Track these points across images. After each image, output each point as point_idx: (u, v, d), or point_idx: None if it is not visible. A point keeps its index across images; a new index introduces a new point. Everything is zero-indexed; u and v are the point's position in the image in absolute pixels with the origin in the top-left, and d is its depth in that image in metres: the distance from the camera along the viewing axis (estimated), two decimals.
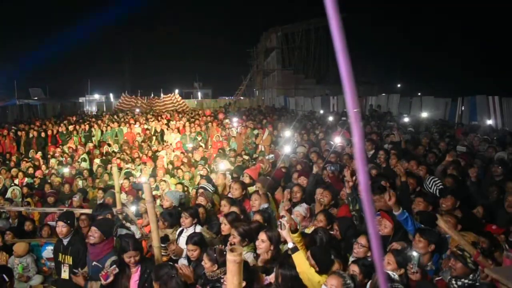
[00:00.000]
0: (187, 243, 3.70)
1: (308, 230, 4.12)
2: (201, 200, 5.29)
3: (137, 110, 24.58)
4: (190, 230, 4.32)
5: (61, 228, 4.08)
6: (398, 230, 3.63)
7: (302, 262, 2.99)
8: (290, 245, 3.09)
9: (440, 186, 4.95)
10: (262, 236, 3.26)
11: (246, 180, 6.13)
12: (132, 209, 5.98)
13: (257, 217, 4.23)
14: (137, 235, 4.75)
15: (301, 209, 4.45)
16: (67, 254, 4.10)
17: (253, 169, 6.71)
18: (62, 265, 4.13)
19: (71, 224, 4.22)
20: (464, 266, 2.90)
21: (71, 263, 4.08)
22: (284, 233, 3.15)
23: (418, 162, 5.96)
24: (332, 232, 3.81)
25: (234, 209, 4.52)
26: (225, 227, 4.03)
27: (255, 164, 7.87)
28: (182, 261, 3.97)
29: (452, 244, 3.34)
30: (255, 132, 12.62)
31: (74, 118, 19.17)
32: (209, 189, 5.93)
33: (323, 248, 3.24)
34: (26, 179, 9.85)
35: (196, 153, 11.60)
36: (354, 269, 3.00)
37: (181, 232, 4.47)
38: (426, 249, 3.29)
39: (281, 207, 5.25)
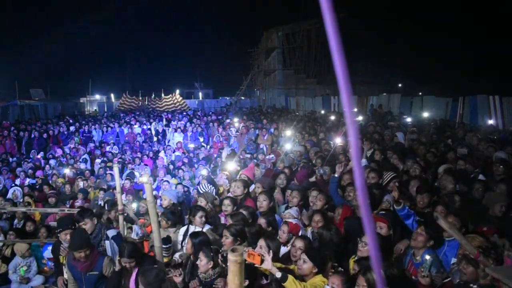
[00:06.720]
0: (188, 237, 3.73)
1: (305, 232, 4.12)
2: (200, 201, 5.24)
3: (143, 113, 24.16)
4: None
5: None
6: (395, 228, 3.68)
7: (296, 286, 2.83)
8: (278, 275, 2.86)
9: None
10: (261, 242, 3.23)
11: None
12: (133, 207, 5.96)
13: (261, 221, 4.20)
14: (139, 235, 4.74)
15: (292, 211, 4.44)
16: None
17: (248, 169, 6.66)
18: (64, 266, 4.12)
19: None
20: (475, 271, 2.83)
21: None
22: (268, 266, 2.88)
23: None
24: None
25: (244, 212, 4.43)
26: None
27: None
28: (177, 256, 3.97)
29: (462, 247, 3.23)
30: (256, 131, 12.61)
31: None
32: (210, 191, 5.86)
33: (315, 247, 3.20)
34: (27, 179, 9.88)
35: (200, 152, 11.62)
36: (355, 268, 3.01)
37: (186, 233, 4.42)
38: (424, 243, 3.30)
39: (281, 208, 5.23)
